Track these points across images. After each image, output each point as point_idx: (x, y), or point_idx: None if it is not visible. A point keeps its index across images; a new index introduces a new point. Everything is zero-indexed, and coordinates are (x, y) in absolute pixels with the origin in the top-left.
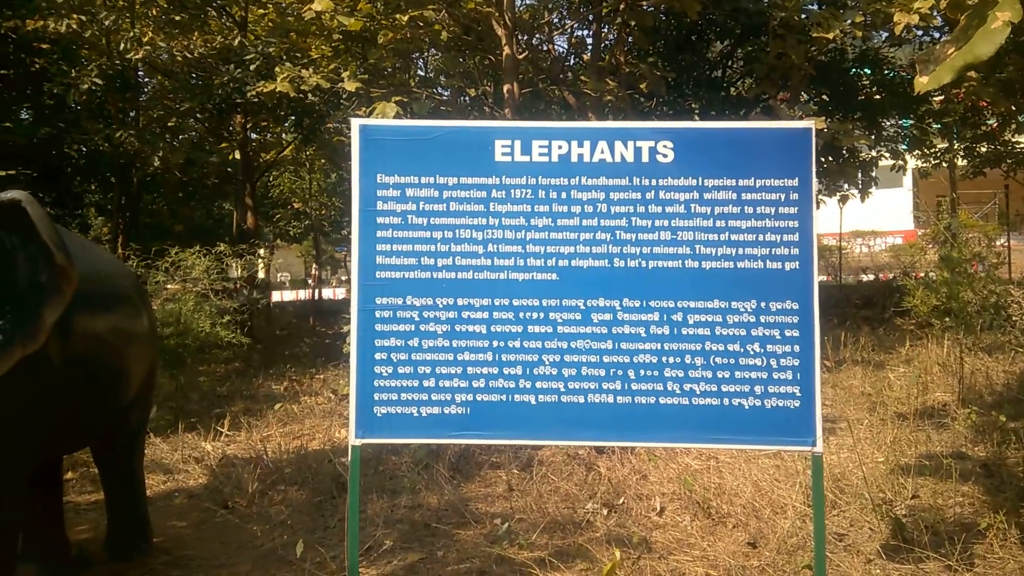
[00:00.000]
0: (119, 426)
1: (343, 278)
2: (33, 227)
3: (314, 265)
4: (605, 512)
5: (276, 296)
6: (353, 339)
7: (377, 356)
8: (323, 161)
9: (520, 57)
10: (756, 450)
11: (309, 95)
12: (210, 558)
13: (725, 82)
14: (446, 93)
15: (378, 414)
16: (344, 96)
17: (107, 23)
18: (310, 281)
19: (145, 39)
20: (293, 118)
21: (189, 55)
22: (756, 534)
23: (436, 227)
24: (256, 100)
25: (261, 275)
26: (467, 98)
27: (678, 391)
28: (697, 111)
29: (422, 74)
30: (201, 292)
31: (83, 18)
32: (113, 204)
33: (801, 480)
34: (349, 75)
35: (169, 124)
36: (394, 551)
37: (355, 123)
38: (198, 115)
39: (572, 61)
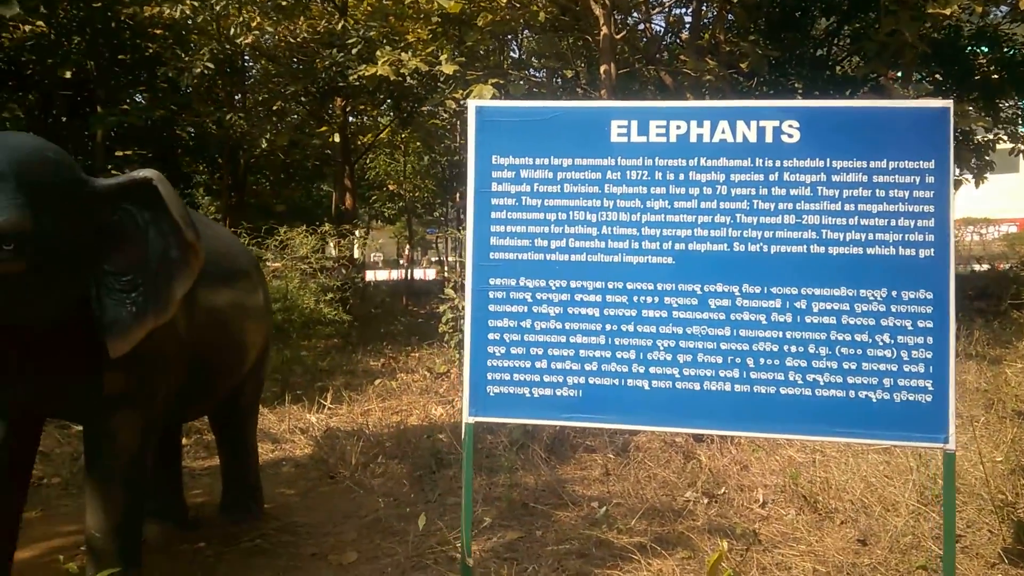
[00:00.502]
0: (236, 396)
1: (433, 259)
2: (164, 204)
3: (407, 246)
4: (705, 501)
5: (369, 276)
6: (467, 319)
7: (490, 336)
8: (417, 144)
9: (618, 37)
10: (882, 445)
11: (408, 78)
12: (318, 526)
13: (830, 61)
14: (539, 75)
15: (491, 393)
16: (441, 79)
17: (217, 8)
18: (401, 262)
19: (253, 24)
20: (391, 101)
21: (293, 40)
22: (866, 531)
23: (550, 208)
24: (357, 84)
25: (356, 255)
26: (560, 79)
27: (800, 381)
28: (800, 91)
29: (514, 56)
30: (307, 270)
31: (195, 3)
32: (221, 184)
33: (915, 478)
34: (446, 58)
35: (274, 108)
36: (493, 528)
37: (471, 105)
38: (302, 99)
39: (669, 40)
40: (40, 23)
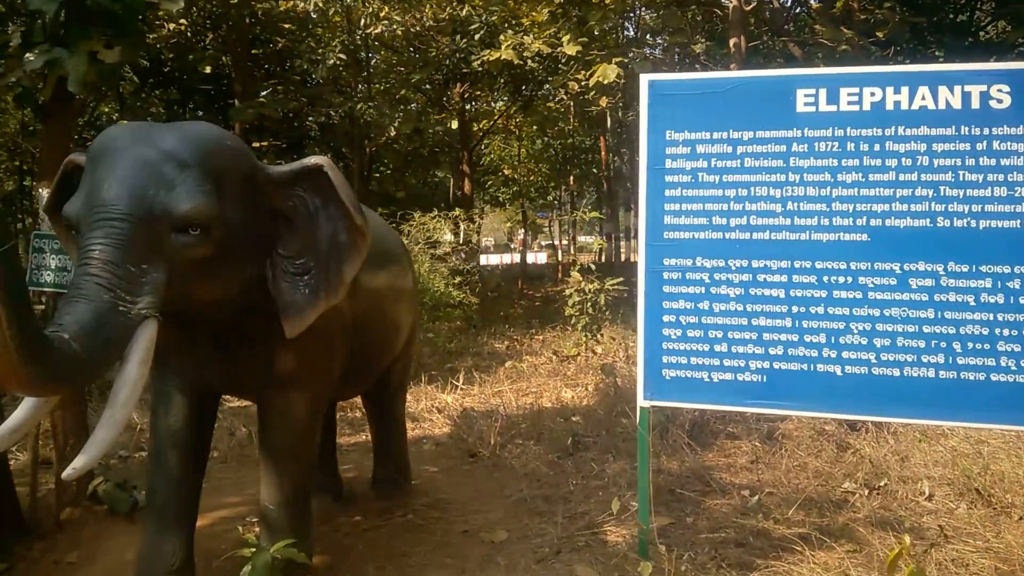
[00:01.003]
0: (388, 375)
1: (543, 243)
2: (334, 190)
3: (519, 230)
4: (866, 493)
5: (482, 260)
6: (641, 300)
7: (665, 318)
8: (533, 128)
9: (747, 8)
10: None
11: (529, 61)
12: (465, 503)
13: (973, 26)
14: (656, 52)
15: (667, 377)
16: (563, 61)
17: (348, 1)
18: (513, 245)
19: (382, 14)
20: (510, 86)
21: (416, 28)
22: None
23: (729, 185)
24: (480, 69)
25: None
26: (678, 55)
27: (1014, 367)
28: (941, 60)
29: (629, 34)
30: (436, 255)
31: None
32: (348, 173)
33: None
34: (568, 39)
35: (397, 96)
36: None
37: (644, 79)
38: (427, 86)
39: (798, 10)
40: (182, 21)
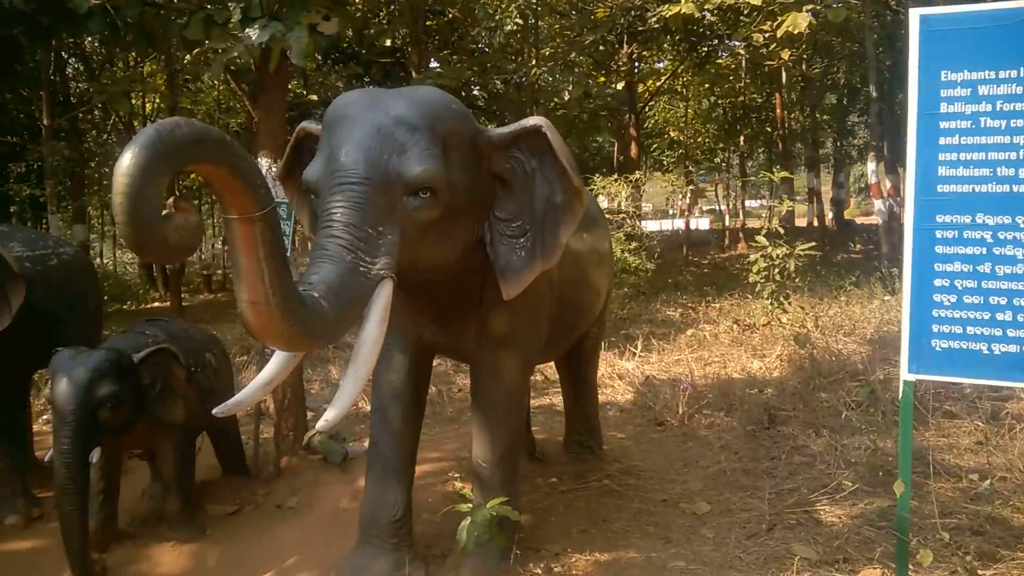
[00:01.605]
0: (584, 339)
1: (704, 208)
2: (552, 151)
3: (681, 195)
4: None
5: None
6: (907, 262)
7: (936, 283)
8: (704, 86)
9: None
10: None
11: (708, 15)
12: (659, 472)
13: None
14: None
15: (937, 348)
16: (745, 12)
17: None
18: (672, 211)
19: None
20: (685, 44)
21: None
22: None
23: (1018, 131)
24: (657, 26)
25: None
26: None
27: None
28: None
29: None
30: (613, 221)
31: None
32: None
33: None
34: None
35: (568, 60)
36: (857, 493)
37: (914, 14)
38: (601, 47)
39: None
40: None
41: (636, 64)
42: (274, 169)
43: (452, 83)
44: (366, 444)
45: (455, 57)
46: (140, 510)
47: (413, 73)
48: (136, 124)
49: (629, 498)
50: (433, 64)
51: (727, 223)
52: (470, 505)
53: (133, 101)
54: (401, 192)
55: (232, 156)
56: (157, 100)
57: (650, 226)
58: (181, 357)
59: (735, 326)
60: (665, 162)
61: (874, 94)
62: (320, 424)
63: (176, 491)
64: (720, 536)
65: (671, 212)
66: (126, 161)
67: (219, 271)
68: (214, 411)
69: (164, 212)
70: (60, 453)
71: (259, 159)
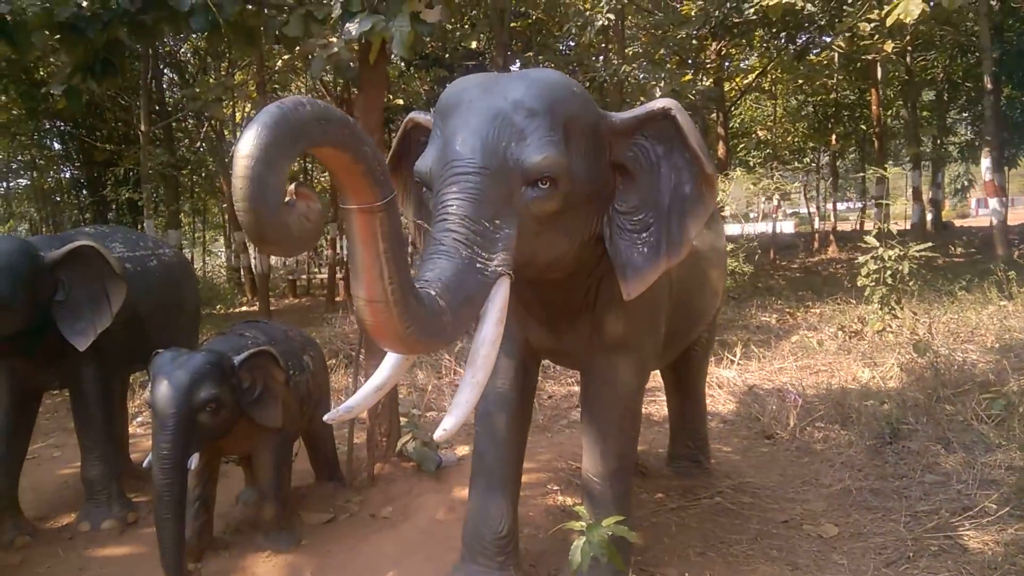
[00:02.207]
0: (695, 345)
1: (788, 211)
2: (682, 136)
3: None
4: None
5: None
6: None
7: None
8: (799, 82)
9: None
10: None
11: (809, 5)
12: (774, 489)
13: None
14: None
15: None
16: (849, 1)
17: None
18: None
19: None
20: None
21: None
22: None
23: None
24: (754, 17)
25: None
26: None
27: None
28: None
29: None
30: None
31: None
32: None
33: None
34: None
35: (655, 58)
36: (1004, 518)
37: None
38: (693, 41)
39: None
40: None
41: (725, 61)
42: None
43: None
44: (458, 452)
45: (540, 58)
46: (234, 517)
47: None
48: (227, 133)
49: (746, 518)
50: (516, 66)
51: (816, 225)
52: (582, 523)
53: (225, 109)
54: (519, 182)
55: (356, 140)
56: (248, 108)
57: (731, 230)
58: (281, 360)
59: (840, 332)
60: (751, 162)
61: (988, 86)
62: (438, 434)
63: (273, 498)
64: (854, 563)
65: (752, 215)
66: (248, 142)
67: (303, 276)
68: (324, 417)
69: (286, 199)
70: (159, 458)
71: None
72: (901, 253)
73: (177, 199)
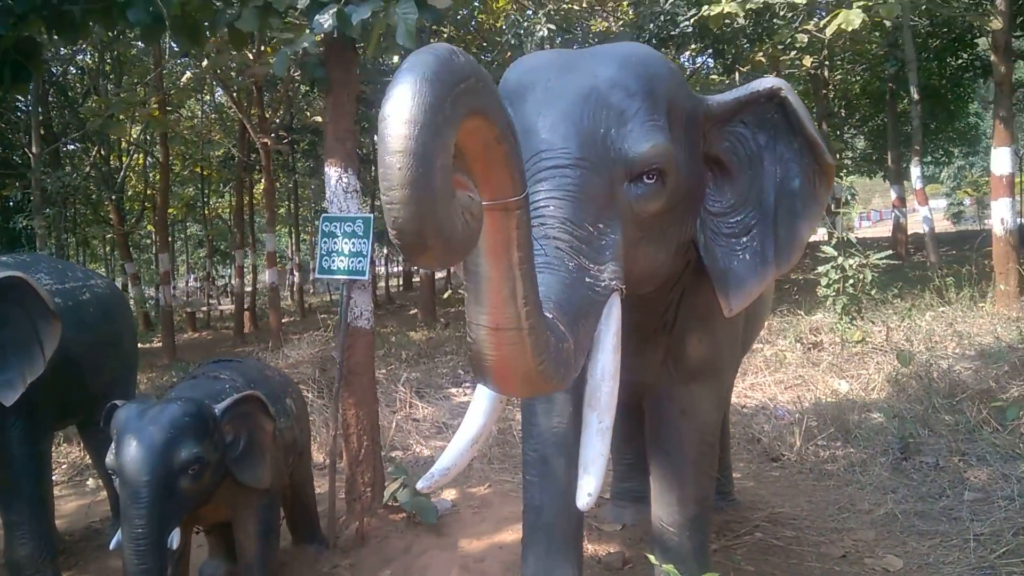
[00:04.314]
0: None
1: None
2: (792, 121)
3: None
4: None
5: None
6: None
7: None
8: None
9: None
10: None
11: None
12: (809, 518)
13: None
14: None
15: None
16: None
17: None
18: None
19: None
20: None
21: None
22: None
23: None
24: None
25: None
26: None
27: None
28: None
29: None
30: None
31: None
32: None
33: None
34: None
35: None
36: None
37: None
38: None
39: None
40: None
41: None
42: (344, 180)
43: None
44: (445, 497)
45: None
46: None
47: None
48: (114, 159)
49: (799, 555)
50: None
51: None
52: None
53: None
54: (622, 176)
55: (504, 111)
56: (137, 129)
57: None
58: (269, 406)
59: (798, 344)
60: None
61: (915, 96)
62: (584, 502)
63: (260, 572)
64: None
65: None
66: (405, 102)
67: (203, 308)
68: (418, 485)
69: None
70: (132, 539)
71: (327, 169)
72: (862, 262)
73: (65, 229)
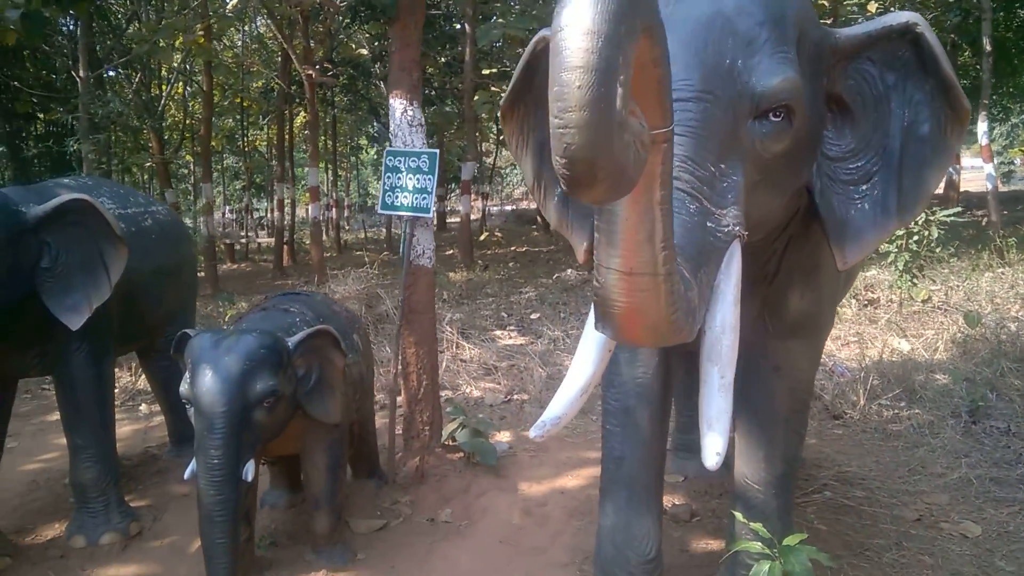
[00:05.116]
0: None
1: None
2: (926, 59)
3: None
4: None
5: None
6: None
7: None
8: None
9: None
10: None
11: None
12: (883, 480)
13: None
14: None
15: None
16: None
17: None
18: None
19: None
20: None
21: None
22: None
23: None
24: None
25: None
26: None
27: None
28: None
29: None
30: None
31: None
32: None
33: None
34: None
35: None
36: None
37: None
38: None
39: None
40: None
41: None
42: (410, 112)
43: (518, 34)
44: (499, 437)
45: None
46: (263, 525)
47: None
48: (154, 88)
49: (873, 517)
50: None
51: None
52: (762, 545)
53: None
54: (748, 112)
55: (664, 30)
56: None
57: None
58: (341, 341)
59: (854, 301)
60: None
61: (987, 48)
62: (712, 462)
63: (327, 508)
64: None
65: None
66: (587, 8)
67: (241, 240)
68: (531, 434)
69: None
70: (208, 469)
71: (392, 101)
72: (928, 218)
73: (110, 158)
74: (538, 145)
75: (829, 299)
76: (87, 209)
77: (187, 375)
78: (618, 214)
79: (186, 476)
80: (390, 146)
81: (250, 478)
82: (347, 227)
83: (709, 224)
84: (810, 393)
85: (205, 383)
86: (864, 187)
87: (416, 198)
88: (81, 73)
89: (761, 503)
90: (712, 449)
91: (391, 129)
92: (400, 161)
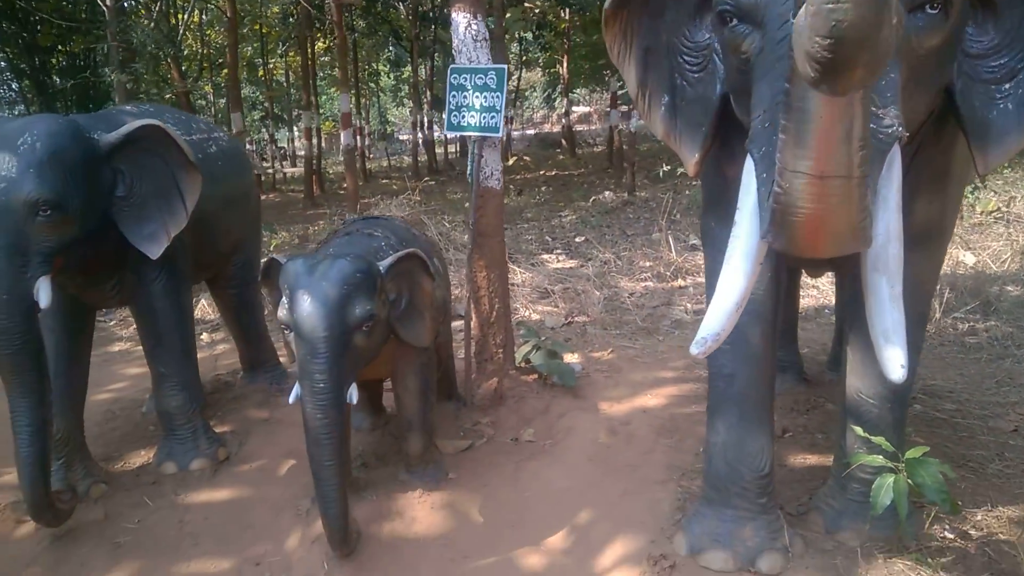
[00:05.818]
0: None
1: None
2: None
3: None
4: None
5: None
6: None
7: None
8: None
9: None
10: None
11: None
12: (969, 391)
13: None
14: None
15: None
16: None
17: None
18: None
19: None
20: None
21: None
22: None
23: None
24: None
25: None
26: None
27: None
28: None
29: None
30: None
31: None
32: None
33: None
34: None
35: None
36: None
37: None
38: None
39: None
40: None
41: None
42: (474, 27)
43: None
44: (568, 359)
45: None
46: (351, 447)
47: None
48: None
49: (968, 428)
50: None
51: None
52: (883, 459)
53: None
54: (906, 5)
55: None
56: None
57: None
58: (430, 265)
59: None
60: None
61: None
62: (897, 375)
63: (420, 429)
64: None
65: None
66: None
67: (268, 170)
68: (692, 350)
69: None
70: (314, 393)
71: (454, 15)
72: None
73: (138, 89)
74: (643, 52)
75: (953, 208)
76: (160, 135)
77: (284, 301)
78: (810, 111)
79: (290, 400)
80: (454, 63)
81: (355, 400)
82: (370, 156)
83: (872, 125)
84: (929, 305)
85: (305, 308)
86: (1007, 86)
87: (484, 117)
88: (108, 1)
89: (876, 417)
90: (896, 362)
91: (454, 45)
92: (466, 79)
